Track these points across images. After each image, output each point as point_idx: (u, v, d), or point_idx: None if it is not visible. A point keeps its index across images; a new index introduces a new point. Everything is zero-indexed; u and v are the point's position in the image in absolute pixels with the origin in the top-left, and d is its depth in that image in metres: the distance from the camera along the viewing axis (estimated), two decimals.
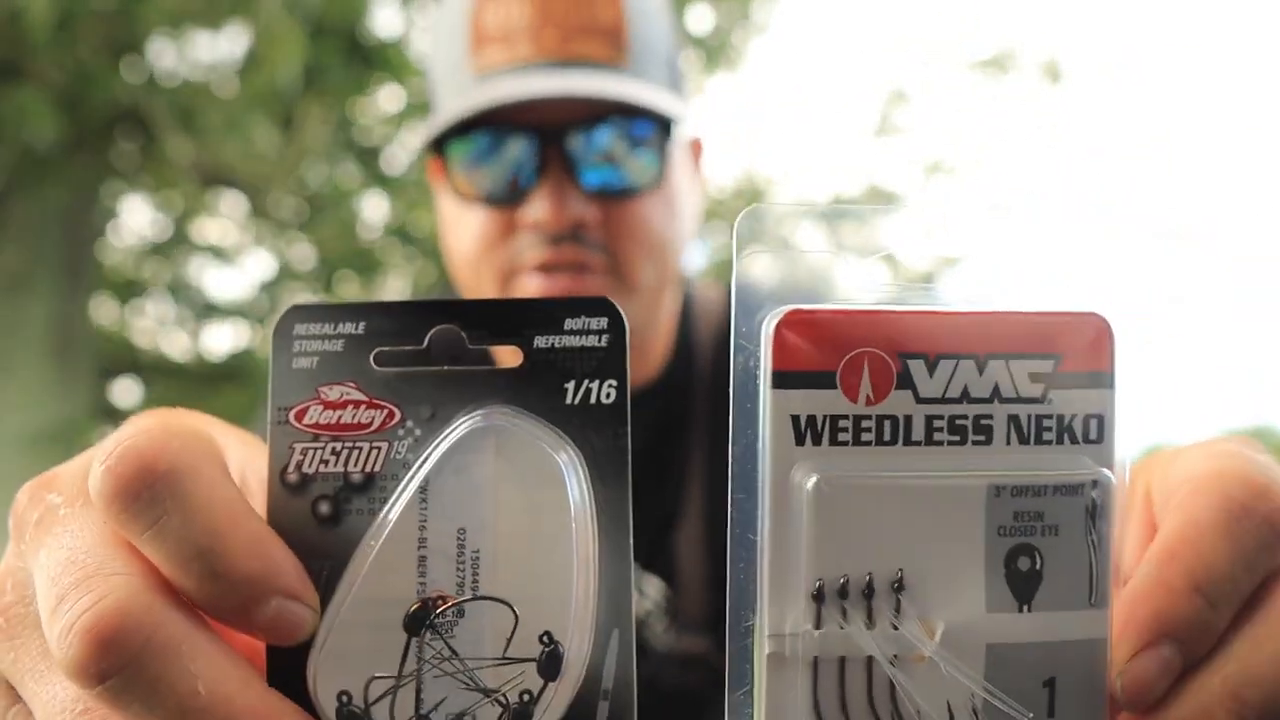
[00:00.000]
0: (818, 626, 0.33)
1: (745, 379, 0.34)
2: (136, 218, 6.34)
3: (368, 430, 0.35)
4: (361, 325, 0.36)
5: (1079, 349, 0.34)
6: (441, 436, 0.35)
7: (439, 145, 0.97)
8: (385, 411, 0.36)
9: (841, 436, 0.33)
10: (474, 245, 0.96)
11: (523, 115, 0.92)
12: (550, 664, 0.34)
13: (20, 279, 5.06)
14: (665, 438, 1.05)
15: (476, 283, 0.97)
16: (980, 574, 0.34)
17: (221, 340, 6.91)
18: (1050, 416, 0.34)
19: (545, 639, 0.34)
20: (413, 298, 0.37)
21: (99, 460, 0.33)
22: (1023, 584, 0.34)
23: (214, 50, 5.00)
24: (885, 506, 0.33)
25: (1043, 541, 0.34)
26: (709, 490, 1.03)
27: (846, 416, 0.33)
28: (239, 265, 6.48)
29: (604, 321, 0.36)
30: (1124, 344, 0.35)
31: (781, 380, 0.34)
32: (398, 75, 5.51)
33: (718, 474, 1.04)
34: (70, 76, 4.44)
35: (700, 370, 1.07)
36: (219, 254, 6.46)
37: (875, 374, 0.34)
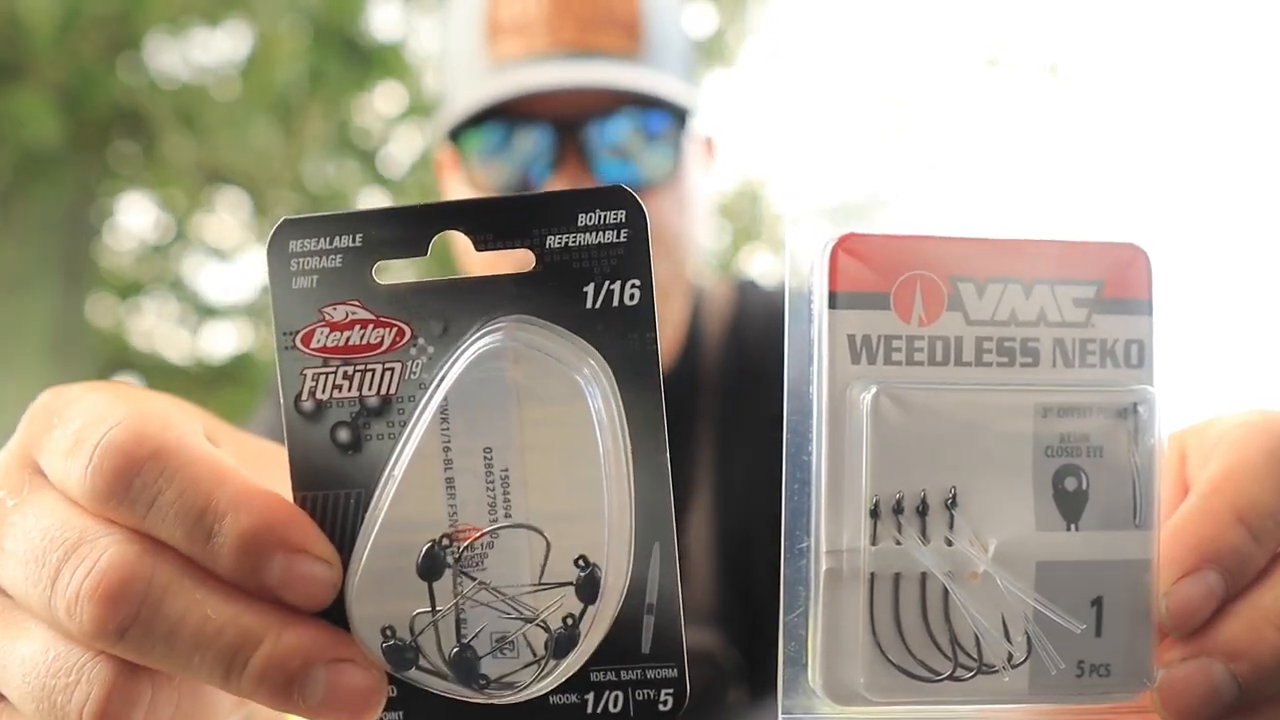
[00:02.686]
0: (874, 543, 0.34)
1: (799, 303, 0.35)
2: (136, 217, 6.34)
3: (379, 351, 0.34)
4: (359, 237, 0.34)
5: (1119, 277, 0.36)
6: (455, 354, 0.34)
7: (453, 137, 0.97)
8: (395, 329, 0.34)
9: (895, 356, 0.34)
10: None
11: (538, 106, 0.92)
12: (588, 587, 0.34)
13: (20, 279, 5.06)
14: (673, 434, 1.04)
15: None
16: (1029, 493, 0.35)
17: (221, 340, 6.89)
18: (1093, 340, 0.35)
19: (581, 562, 0.34)
20: (414, 204, 0.34)
21: (79, 459, 0.33)
22: (1070, 503, 0.35)
23: (214, 50, 5.00)
24: (939, 423, 0.34)
25: (1088, 462, 0.35)
26: (717, 486, 1.03)
27: (900, 337, 0.35)
28: (239, 265, 6.47)
29: (621, 215, 0.34)
30: (1162, 274, 0.36)
31: (837, 301, 0.35)
32: (397, 75, 5.52)
33: (726, 471, 1.04)
34: (70, 77, 4.45)
35: (710, 367, 1.07)
36: (219, 254, 6.47)
37: (927, 296, 0.35)
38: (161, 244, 6.55)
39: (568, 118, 0.92)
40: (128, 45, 4.64)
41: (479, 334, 0.34)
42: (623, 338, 0.34)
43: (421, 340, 0.34)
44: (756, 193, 7.18)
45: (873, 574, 0.34)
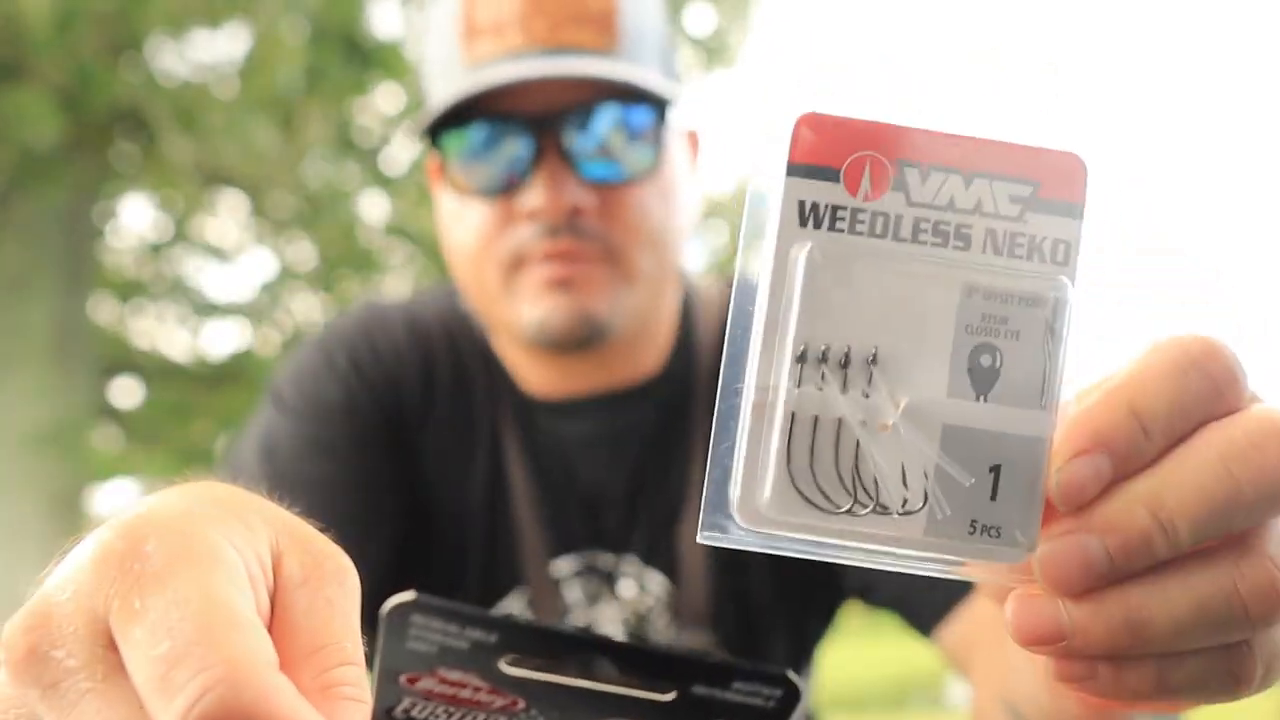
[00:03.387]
0: (798, 385, 0.38)
1: (763, 169, 0.39)
2: (136, 218, 6.37)
3: (487, 708, 0.34)
4: (495, 636, 0.33)
5: (1056, 180, 0.39)
6: None
7: (435, 141, 0.99)
8: (509, 699, 0.34)
9: (839, 225, 0.38)
10: (473, 240, 0.98)
11: (516, 104, 0.95)
12: None
13: (20, 279, 5.08)
14: (667, 431, 1.07)
15: (477, 279, 1.00)
16: (946, 363, 0.38)
17: (221, 340, 6.91)
18: (1023, 235, 0.39)
19: None
20: (561, 626, 0.37)
21: (164, 704, 0.31)
22: (982, 377, 0.38)
23: (214, 51, 5.02)
24: (870, 287, 0.38)
25: (1004, 343, 0.38)
26: None
27: (845, 208, 0.38)
28: (239, 265, 6.50)
29: (778, 692, 0.34)
30: (1097, 183, 0.39)
31: (794, 170, 0.38)
32: (396, 75, 5.55)
33: None
34: (70, 77, 4.47)
35: (703, 365, 1.09)
36: (219, 254, 6.49)
37: (875, 175, 0.38)
38: (160, 243, 6.57)
39: (545, 115, 0.94)
40: (127, 44, 4.66)
41: None
42: None
43: (534, 713, 0.34)
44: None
45: (793, 413, 0.38)
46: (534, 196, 0.94)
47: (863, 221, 0.38)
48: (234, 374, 6.23)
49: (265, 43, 4.60)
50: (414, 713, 0.34)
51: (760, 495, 0.38)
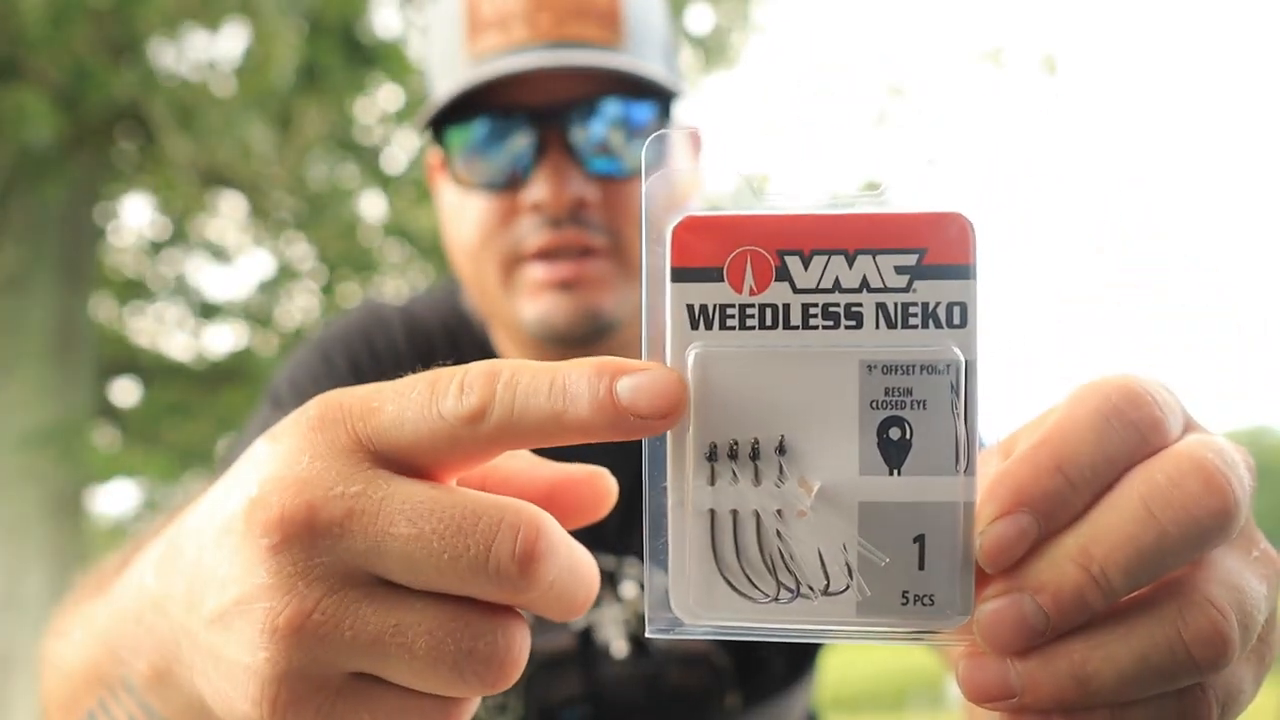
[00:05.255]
0: (712, 483, 0.39)
1: (654, 276, 0.40)
2: (136, 217, 6.38)
3: None
4: None
5: (941, 244, 0.39)
6: None
7: (438, 136, 0.99)
8: None
9: (730, 322, 0.39)
10: (475, 233, 0.98)
11: (520, 98, 0.94)
12: None
13: (20, 279, 5.08)
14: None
15: (479, 273, 1.00)
16: (855, 442, 0.39)
17: (221, 340, 6.91)
18: (915, 304, 0.39)
19: None
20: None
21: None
22: (894, 451, 0.39)
23: (212, 49, 5.02)
24: (766, 378, 0.39)
25: (912, 414, 0.39)
26: None
27: (733, 305, 0.39)
28: (239, 265, 6.50)
29: None
30: (985, 240, 0.40)
31: (679, 275, 0.39)
32: (396, 74, 5.54)
33: None
34: (68, 75, 4.46)
35: None
36: (218, 253, 6.49)
37: (757, 268, 0.39)
38: (159, 241, 6.57)
39: (550, 109, 0.94)
40: (125, 42, 4.66)
41: None
42: None
43: None
44: (758, 191, 7.19)
45: (712, 510, 0.39)
46: (537, 190, 0.94)
47: (751, 315, 0.39)
48: (233, 374, 6.24)
49: (263, 41, 4.60)
50: None
51: (693, 593, 0.39)
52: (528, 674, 0.96)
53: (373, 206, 6.28)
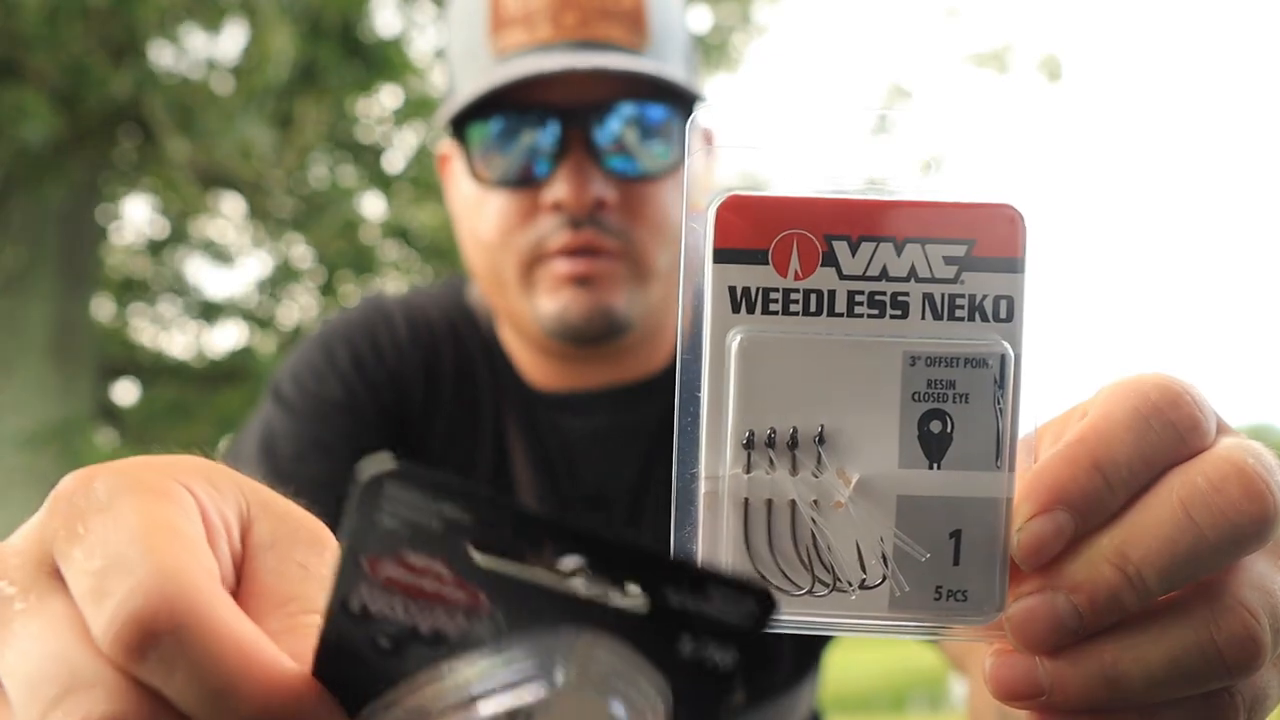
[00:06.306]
0: (748, 471, 0.38)
1: (693, 256, 0.38)
2: (136, 217, 6.38)
3: (446, 603, 0.32)
4: (469, 517, 0.31)
5: (992, 236, 0.38)
6: (536, 666, 0.31)
7: (457, 131, 0.98)
8: (471, 594, 0.32)
9: (773, 306, 0.38)
10: (494, 230, 0.97)
11: (543, 96, 0.94)
12: None
13: (20, 279, 5.08)
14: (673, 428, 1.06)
15: (495, 270, 0.99)
16: (895, 434, 0.38)
17: (221, 340, 6.91)
18: (962, 296, 0.38)
19: None
20: (543, 512, 0.32)
21: (98, 611, 0.30)
22: (934, 444, 0.38)
23: (210, 48, 5.01)
24: (808, 366, 0.38)
25: (954, 408, 0.38)
26: None
27: (777, 289, 0.38)
28: (238, 265, 6.50)
29: (754, 606, 0.31)
30: (1036, 233, 0.39)
31: (721, 256, 0.38)
32: (396, 74, 5.53)
33: None
34: (66, 74, 4.46)
35: None
36: (218, 253, 6.49)
37: (803, 253, 0.38)
38: (159, 241, 6.56)
39: (572, 108, 0.94)
40: (123, 41, 4.65)
41: (564, 663, 0.31)
42: (697, 697, 0.33)
43: (499, 616, 0.32)
44: (760, 190, 7.22)
45: (746, 499, 0.38)
46: (558, 189, 0.94)
47: (796, 301, 0.38)
48: (233, 374, 6.23)
49: (262, 41, 4.59)
50: (371, 608, 0.32)
51: None
52: None
53: (372, 206, 6.27)
